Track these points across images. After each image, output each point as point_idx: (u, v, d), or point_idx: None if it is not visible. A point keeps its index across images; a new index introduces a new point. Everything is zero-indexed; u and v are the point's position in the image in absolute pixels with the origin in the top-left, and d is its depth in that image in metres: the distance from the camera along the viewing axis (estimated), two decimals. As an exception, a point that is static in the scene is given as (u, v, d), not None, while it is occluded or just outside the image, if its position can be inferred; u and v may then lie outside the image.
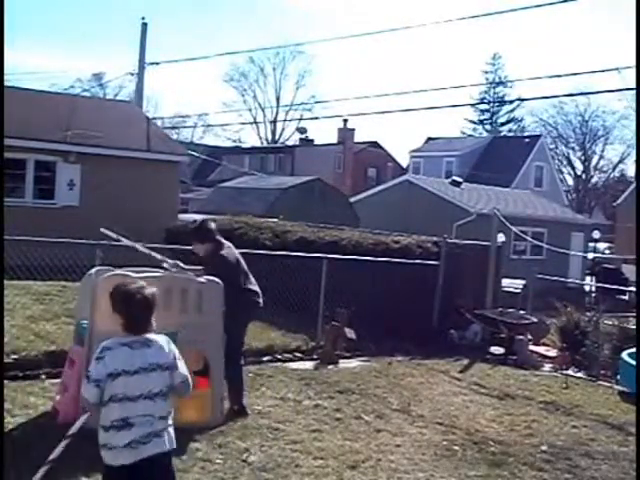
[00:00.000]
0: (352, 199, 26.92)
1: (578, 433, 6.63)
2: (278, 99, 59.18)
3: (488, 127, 60.52)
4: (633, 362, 8.63)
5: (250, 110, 56.87)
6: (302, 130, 48.42)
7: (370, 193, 28.12)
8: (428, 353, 9.91)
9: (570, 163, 56.76)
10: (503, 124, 61.09)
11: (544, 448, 6.03)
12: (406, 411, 6.84)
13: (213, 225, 6.39)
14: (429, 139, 47.98)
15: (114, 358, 3.30)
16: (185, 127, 50.22)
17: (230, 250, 6.35)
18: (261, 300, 6.48)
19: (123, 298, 3.39)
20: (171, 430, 3.43)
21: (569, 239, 25.98)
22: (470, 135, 57.24)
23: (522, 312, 11.49)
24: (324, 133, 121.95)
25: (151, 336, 3.42)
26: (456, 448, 5.82)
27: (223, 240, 6.37)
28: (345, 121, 38.75)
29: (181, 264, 6.08)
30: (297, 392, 7.12)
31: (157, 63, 23.44)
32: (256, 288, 6.49)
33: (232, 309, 5.99)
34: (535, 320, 10.98)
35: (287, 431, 5.82)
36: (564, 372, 9.46)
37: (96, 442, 4.93)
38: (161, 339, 3.45)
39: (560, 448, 6.08)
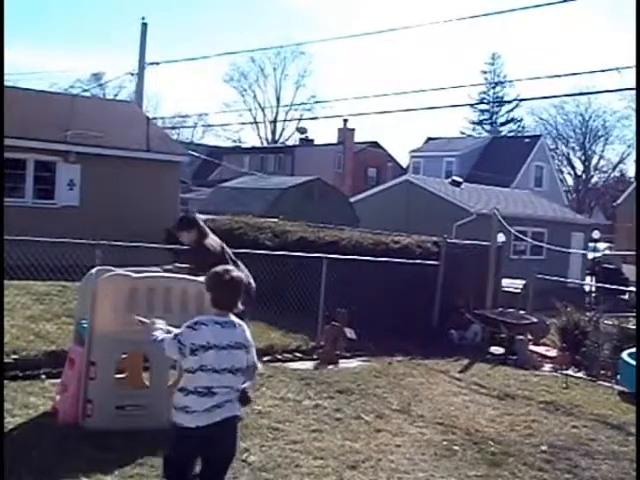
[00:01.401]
0: (352, 199, 26.93)
1: (578, 433, 6.63)
2: (278, 99, 59.26)
3: (488, 127, 60.54)
4: (633, 362, 8.63)
5: (250, 110, 56.95)
6: (302, 130, 48.43)
7: (370, 193, 28.12)
8: (428, 353, 9.90)
9: (570, 163, 56.81)
10: (503, 124, 61.09)
11: (544, 448, 6.02)
12: (406, 411, 6.84)
13: (198, 215, 6.55)
14: (429, 139, 47.96)
15: (207, 332, 3.70)
16: (185, 127, 50.27)
17: (214, 239, 6.44)
18: (254, 285, 6.51)
19: (217, 279, 3.85)
20: None
21: (569, 239, 25.97)
22: (470, 135, 57.24)
23: (522, 312, 11.49)
24: (324, 133, 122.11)
25: (237, 320, 3.85)
26: (456, 448, 5.82)
27: (207, 229, 6.48)
28: (345, 121, 38.74)
29: (178, 265, 6.09)
30: (297, 392, 7.12)
31: (157, 63, 23.46)
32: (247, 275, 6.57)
33: None
34: (535, 320, 10.98)
35: (287, 431, 5.82)
36: (564, 372, 9.45)
37: (96, 443, 4.96)
38: (244, 324, 3.89)
39: (560, 448, 6.08)
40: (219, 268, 3.93)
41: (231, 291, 3.85)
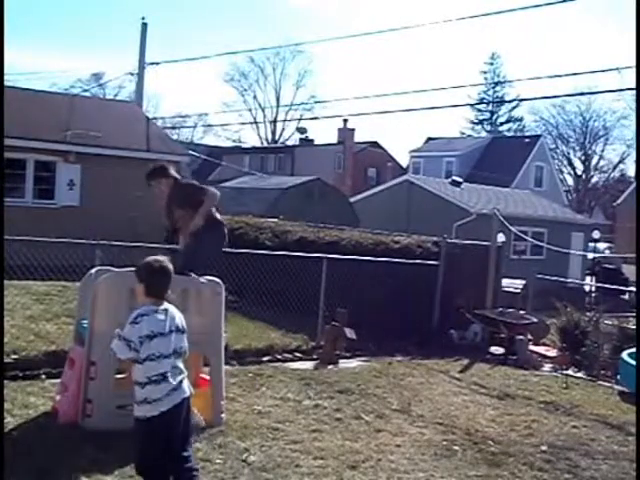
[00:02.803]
0: (352, 199, 26.93)
1: (578, 433, 6.63)
2: (278, 99, 59.30)
3: (488, 127, 60.53)
4: (633, 362, 8.63)
5: (250, 110, 56.97)
6: (302, 130, 48.46)
7: (370, 193, 28.12)
8: (428, 353, 9.91)
9: (570, 163, 56.80)
10: (503, 124, 61.08)
11: (544, 448, 6.02)
12: (406, 411, 6.83)
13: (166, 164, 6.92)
14: (429, 139, 47.96)
15: (149, 323, 3.89)
16: (185, 127, 50.31)
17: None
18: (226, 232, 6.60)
19: (146, 268, 4.04)
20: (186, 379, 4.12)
21: (569, 239, 25.96)
22: (470, 135, 57.22)
23: (522, 312, 11.49)
24: (324, 133, 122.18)
25: (171, 307, 4.07)
26: (456, 448, 5.82)
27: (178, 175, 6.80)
28: (345, 121, 38.73)
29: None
30: (297, 392, 7.11)
31: (157, 63, 23.46)
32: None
33: (202, 235, 6.02)
34: (535, 320, 10.98)
35: (287, 431, 5.82)
36: (564, 372, 9.45)
37: (96, 443, 4.96)
38: (177, 310, 4.13)
39: (560, 448, 6.07)
40: (149, 259, 4.09)
41: (163, 279, 4.04)
